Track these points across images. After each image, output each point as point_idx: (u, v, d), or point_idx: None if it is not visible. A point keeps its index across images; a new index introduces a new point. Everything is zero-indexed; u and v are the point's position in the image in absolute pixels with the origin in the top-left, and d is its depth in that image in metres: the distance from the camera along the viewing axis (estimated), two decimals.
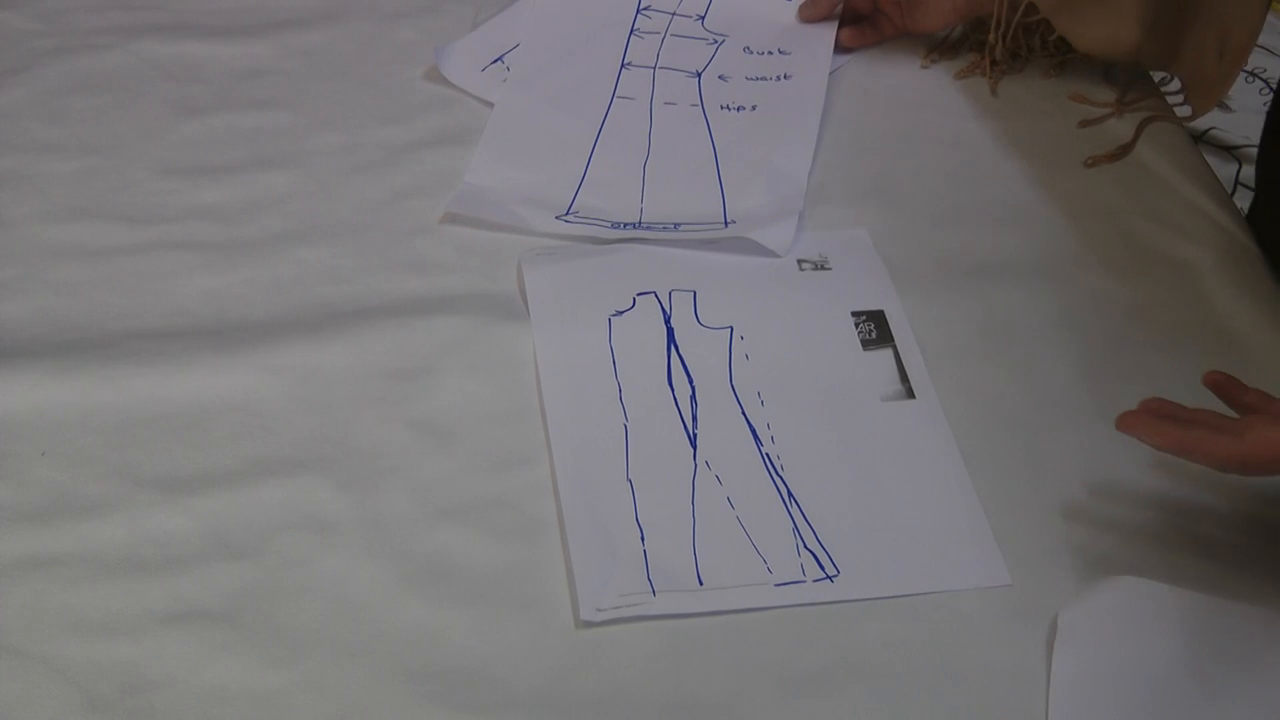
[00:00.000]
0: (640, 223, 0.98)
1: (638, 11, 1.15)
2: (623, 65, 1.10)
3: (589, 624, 0.75)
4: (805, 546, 0.80)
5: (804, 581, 0.78)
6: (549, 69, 1.10)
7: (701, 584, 0.78)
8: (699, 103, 1.08)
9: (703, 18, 1.15)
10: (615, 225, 0.97)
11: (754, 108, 1.07)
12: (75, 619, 0.75)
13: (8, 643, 0.74)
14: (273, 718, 0.72)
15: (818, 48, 1.12)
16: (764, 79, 1.09)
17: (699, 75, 1.09)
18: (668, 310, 0.92)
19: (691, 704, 0.73)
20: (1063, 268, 0.96)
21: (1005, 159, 1.05)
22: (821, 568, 0.79)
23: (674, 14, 1.15)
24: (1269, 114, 0.99)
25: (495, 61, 1.12)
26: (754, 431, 0.85)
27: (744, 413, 0.86)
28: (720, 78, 1.10)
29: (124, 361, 0.88)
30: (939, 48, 1.14)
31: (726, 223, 0.97)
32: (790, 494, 0.82)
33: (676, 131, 1.06)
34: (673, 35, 1.13)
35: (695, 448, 0.85)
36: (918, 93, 1.12)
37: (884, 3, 1.14)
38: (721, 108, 1.07)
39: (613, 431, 0.85)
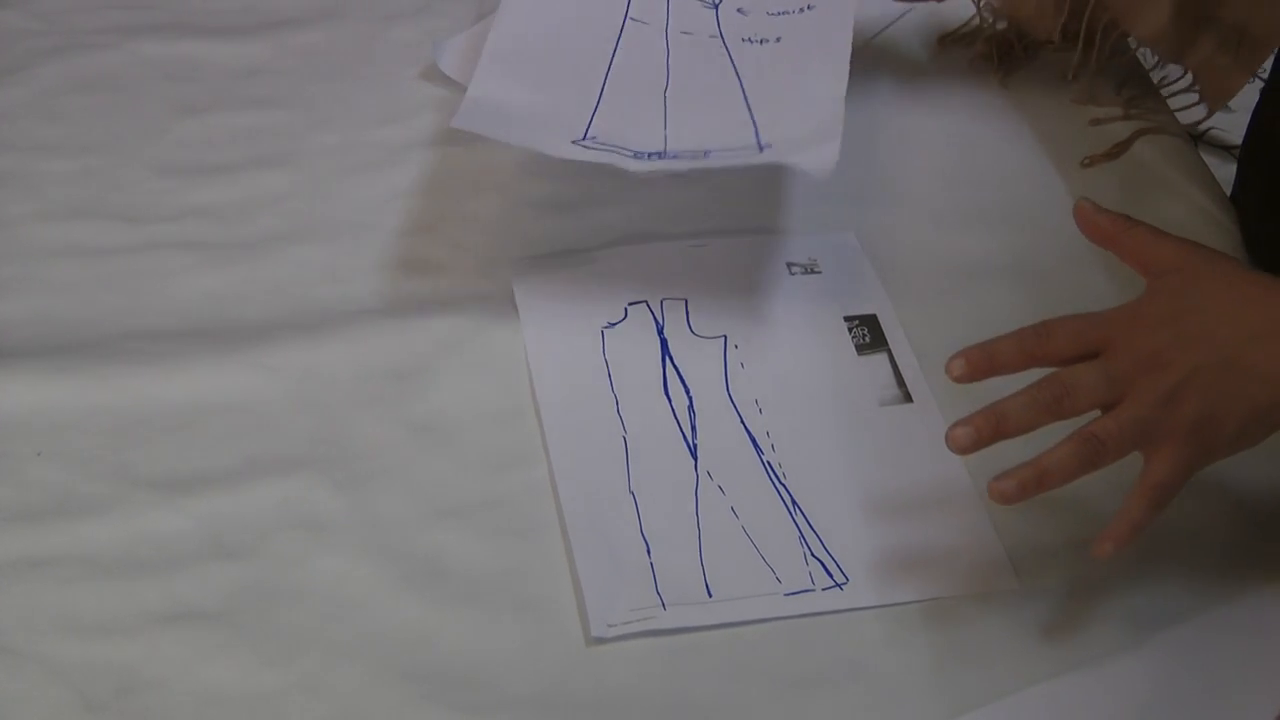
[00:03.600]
0: (665, 150, 0.90)
1: None
2: None
3: (601, 640, 0.75)
4: (813, 555, 0.80)
5: (814, 590, 0.78)
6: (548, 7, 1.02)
7: (711, 596, 0.78)
8: (718, 34, 1.01)
9: None
10: (639, 154, 0.89)
11: (778, 39, 1.00)
12: (71, 619, 0.75)
13: (3, 643, 0.74)
14: (269, 718, 0.72)
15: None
16: (786, 12, 1.02)
17: (716, 6, 1.03)
18: (660, 320, 0.91)
19: (690, 705, 0.73)
20: (1059, 268, 0.96)
21: (1002, 159, 1.05)
22: (830, 575, 0.79)
23: None
24: (1254, 113, 0.99)
25: None
26: (754, 440, 0.85)
27: (743, 421, 0.86)
28: (739, 11, 1.03)
29: (121, 361, 0.88)
30: (954, 35, 1.13)
31: (761, 147, 0.90)
32: (794, 502, 0.82)
33: (696, 60, 0.99)
34: None
35: (696, 458, 0.84)
36: (917, 90, 1.11)
37: None
38: (743, 40, 1.00)
39: (612, 445, 0.85)
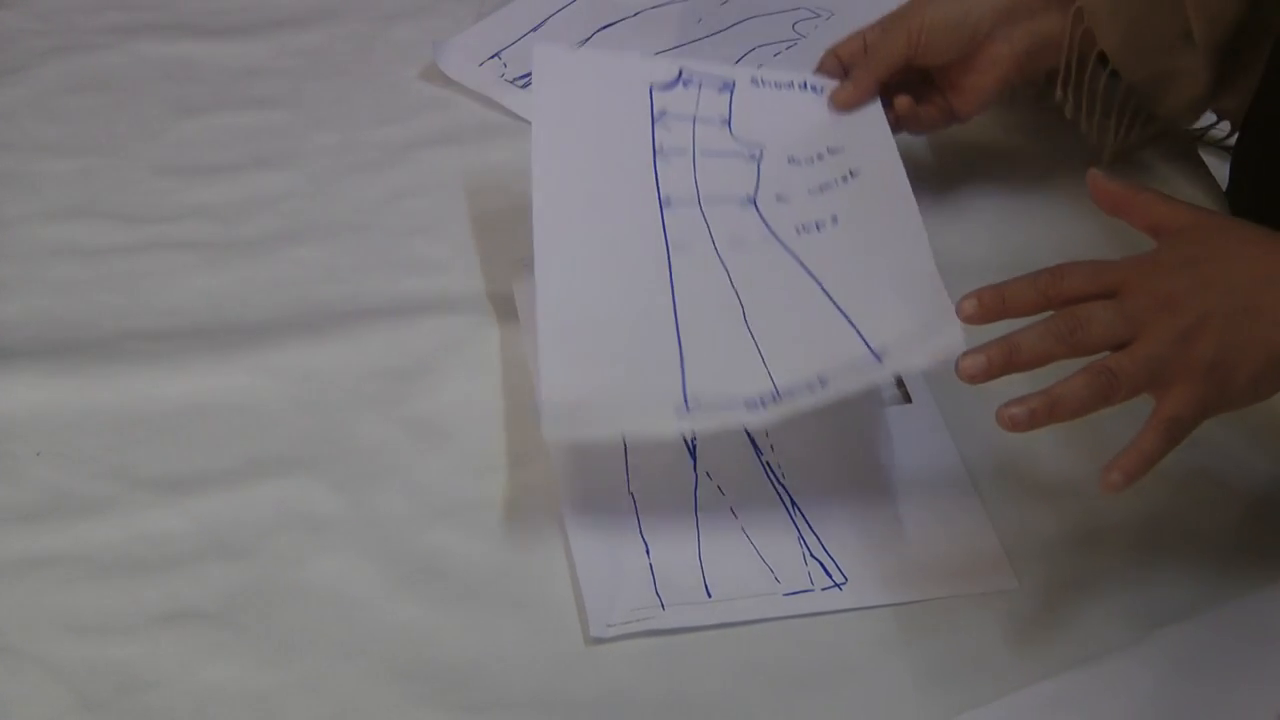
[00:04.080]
0: (778, 391, 0.79)
1: (654, 124, 0.93)
2: (662, 206, 0.89)
3: (600, 640, 0.75)
4: (811, 555, 0.80)
5: (813, 590, 0.78)
6: (577, 226, 0.87)
7: (710, 596, 0.78)
8: (769, 233, 0.88)
9: (728, 122, 0.94)
10: (751, 404, 0.78)
11: (834, 219, 0.88)
12: (70, 619, 0.75)
13: (2, 642, 0.74)
14: (267, 717, 0.72)
15: (872, 130, 0.93)
16: (829, 185, 0.91)
17: (753, 201, 0.90)
18: None
19: (689, 705, 0.73)
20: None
21: (1001, 159, 1.05)
22: (829, 575, 0.79)
23: (695, 117, 0.94)
24: (1247, 114, 0.98)
25: (493, 57, 1.12)
26: (753, 441, 0.85)
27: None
28: (778, 198, 0.91)
29: (120, 361, 0.88)
30: None
31: (877, 356, 0.79)
32: (793, 502, 0.82)
33: (760, 271, 0.86)
34: (703, 154, 0.92)
35: (695, 459, 0.84)
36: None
37: (936, 75, 0.97)
38: (798, 231, 0.88)
39: (613, 445, 0.84)
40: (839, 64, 0.96)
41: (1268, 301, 0.71)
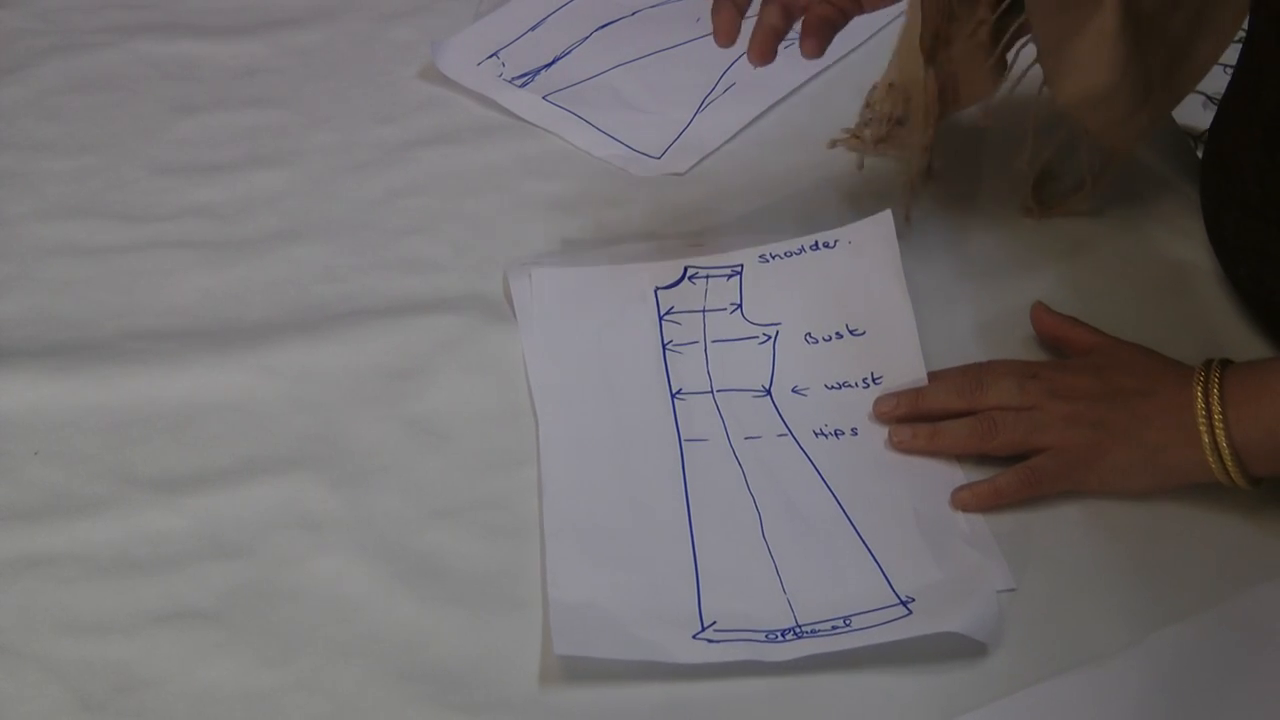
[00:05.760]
0: (800, 626, 0.75)
1: (661, 320, 0.91)
2: (673, 397, 0.87)
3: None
4: None
5: None
6: (584, 418, 0.86)
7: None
8: (786, 431, 0.85)
9: (740, 307, 0.91)
10: (770, 636, 0.75)
11: (854, 431, 0.85)
12: (68, 618, 0.75)
13: (0, 642, 0.74)
14: (265, 717, 0.72)
15: (896, 321, 0.88)
16: (848, 385, 0.87)
17: (768, 392, 0.87)
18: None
19: (688, 704, 0.73)
20: (1058, 267, 0.96)
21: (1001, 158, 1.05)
22: None
23: (704, 310, 0.91)
24: (1207, 143, 0.98)
25: (491, 56, 1.13)
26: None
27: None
28: (795, 391, 0.87)
29: (118, 360, 0.88)
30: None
31: (902, 601, 0.76)
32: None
33: (778, 477, 0.83)
34: (714, 342, 0.89)
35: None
36: None
37: None
38: (816, 435, 0.85)
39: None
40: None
41: (1146, 410, 0.80)
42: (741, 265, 0.92)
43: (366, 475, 0.83)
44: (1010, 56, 0.96)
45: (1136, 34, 0.88)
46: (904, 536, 0.79)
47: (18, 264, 0.95)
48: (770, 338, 0.89)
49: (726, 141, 1.07)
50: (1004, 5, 0.93)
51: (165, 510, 0.80)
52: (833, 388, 0.87)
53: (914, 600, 0.76)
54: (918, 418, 0.84)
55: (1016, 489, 0.81)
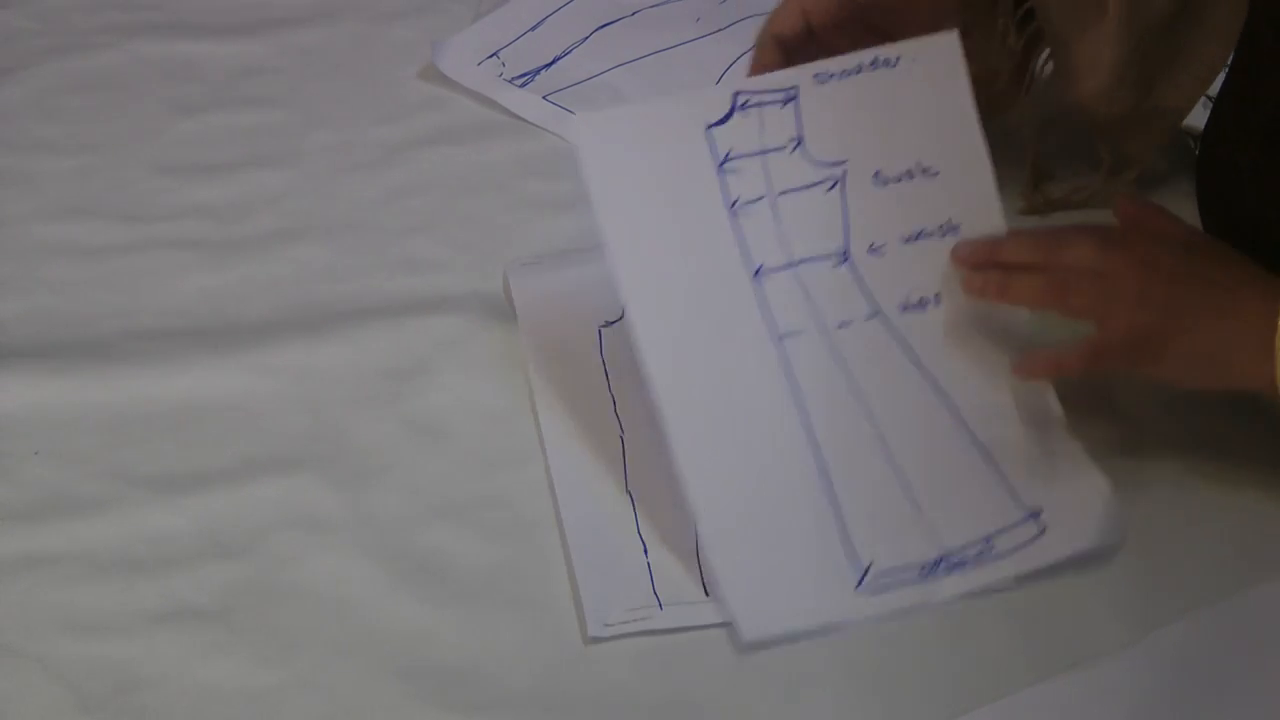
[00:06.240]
0: (948, 556, 0.77)
1: (721, 171, 0.83)
2: (755, 277, 0.82)
3: (598, 639, 0.75)
4: None
5: None
6: (687, 358, 0.80)
7: (707, 595, 0.77)
8: (874, 311, 0.82)
9: (800, 141, 0.84)
10: (924, 572, 0.76)
11: (936, 298, 0.82)
12: (68, 618, 0.75)
13: (0, 641, 0.74)
14: (265, 716, 0.72)
15: (971, 158, 0.84)
16: (925, 234, 0.83)
17: (846, 257, 0.83)
18: None
19: (687, 704, 0.73)
20: None
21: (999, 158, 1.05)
22: None
23: (763, 150, 0.83)
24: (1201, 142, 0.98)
25: (491, 56, 1.13)
26: None
27: None
28: (872, 250, 0.83)
29: (118, 360, 0.88)
30: None
31: (1032, 515, 0.78)
32: None
33: (882, 378, 0.81)
34: (781, 194, 0.83)
35: None
36: None
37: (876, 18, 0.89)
38: (902, 309, 0.82)
39: (610, 444, 0.84)
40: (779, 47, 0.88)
41: (1225, 305, 0.76)
42: (796, 88, 0.83)
43: (366, 474, 0.83)
44: (1035, 67, 0.96)
45: (1140, 31, 0.89)
46: (1013, 435, 0.80)
47: (17, 264, 0.95)
48: (837, 181, 0.83)
49: None
50: (1021, 10, 0.94)
51: (165, 510, 0.80)
52: (910, 239, 0.83)
53: (1041, 513, 0.78)
54: (993, 267, 0.80)
55: (1077, 360, 0.78)
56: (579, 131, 0.82)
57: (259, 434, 0.85)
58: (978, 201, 0.83)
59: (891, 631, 0.76)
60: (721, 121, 0.83)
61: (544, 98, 1.10)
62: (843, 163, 0.83)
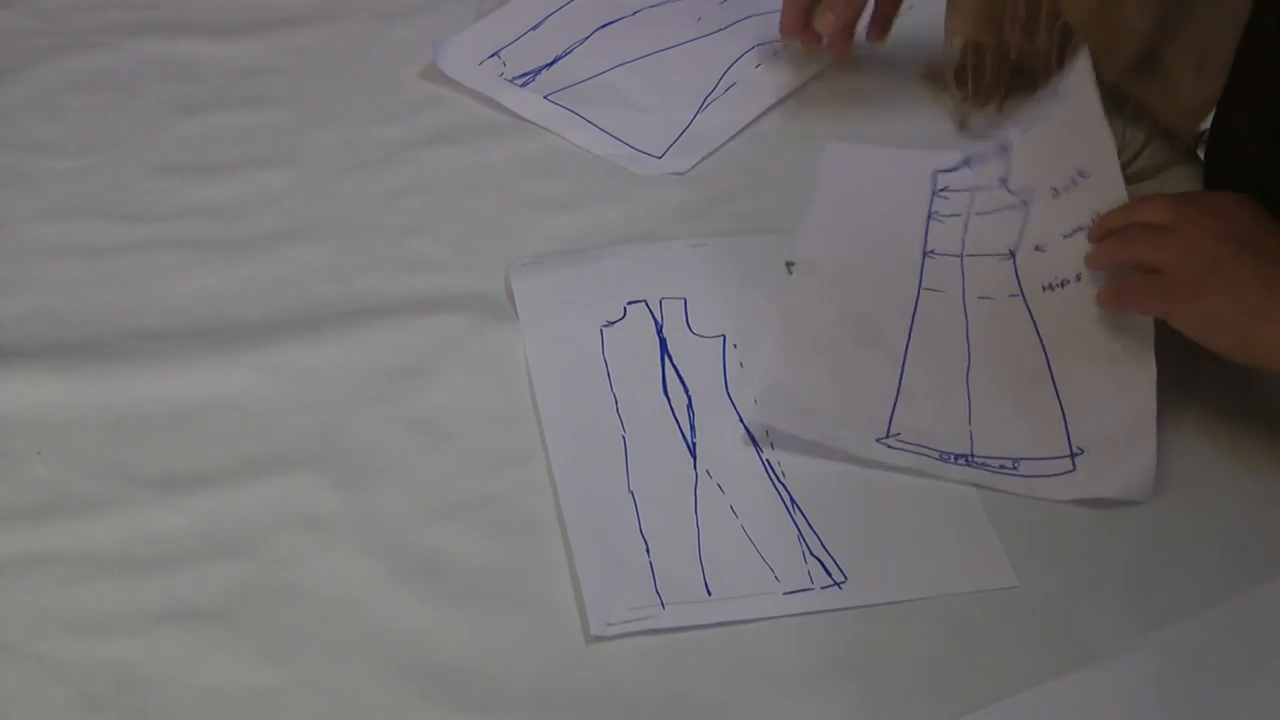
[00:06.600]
0: (973, 455, 0.84)
1: (934, 194, 0.99)
2: (925, 254, 0.95)
3: (600, 639, 0.75)
4: (811, 553, 0.80)
5: (812, 589, 0.78)
6: (837, 252, 0.95)
7: (710, 594, 0.78)
8: (1018, 291, 0.91)
9: (1006, 181, 0.97)
10: (943, 456, 0.84)
11: (1078, 278, 0.89)
12: (70, 617, 0.75)
13: (3, 641, 0.74)
14: (267, 716, 0.72)
15: (1107, 159, 0.91)
16: (1081, 229, 0.89)
17: (1013, 255, 0.93)
18: (659, 319, 0.91)
19: (688, 704, 0.73)
20: None
21: None
22: (829, 574, 0.79)
23: (975, 188, 0.98)
24: (1211, 128, 0.98)
25: (492, 56, 1.13)
26: (753, 439, 0.85)
27: (742, 420, 0.86)
28: (1036, 248, 0.92)
29: (120, 360, 0.88)
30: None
31: (1072, 453, 0.84)
32: (793, 500, 0.82)
33: (997, 333, 0.90)
34: (977, 215, 0.97)
35: (695, 457, 0.84)
36: (908, 83, 1.11)
37: None
38: (1044, 288, 0.91)
39: (612, 443, 0.85)
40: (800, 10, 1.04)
41: (1269, 273, 0.78)
42: (1010, 140, 0.97)
43: (368, 474, 0.83)
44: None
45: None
46: (1095, 386, 0.85)
47: (19, 264, 0.95)
48: (1028, 202, 0.95)
49: (728, 141, 1.07)
50: None
51: (167, 509, 0.80)
52: (1068, 235, 0.90)
53: (1081, 454, 0.83)
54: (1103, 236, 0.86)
55: (1131, 295, 0.83)
56: (830, 153, 1.01)
57: (260, 434, 0.85)
58: (1112, 190, 0.89)
59: (891, 632, 0.76)
60: (948, 170, 0.99)
61: (545, 97, 1.10)
62: (1034, 187, 0.94)
